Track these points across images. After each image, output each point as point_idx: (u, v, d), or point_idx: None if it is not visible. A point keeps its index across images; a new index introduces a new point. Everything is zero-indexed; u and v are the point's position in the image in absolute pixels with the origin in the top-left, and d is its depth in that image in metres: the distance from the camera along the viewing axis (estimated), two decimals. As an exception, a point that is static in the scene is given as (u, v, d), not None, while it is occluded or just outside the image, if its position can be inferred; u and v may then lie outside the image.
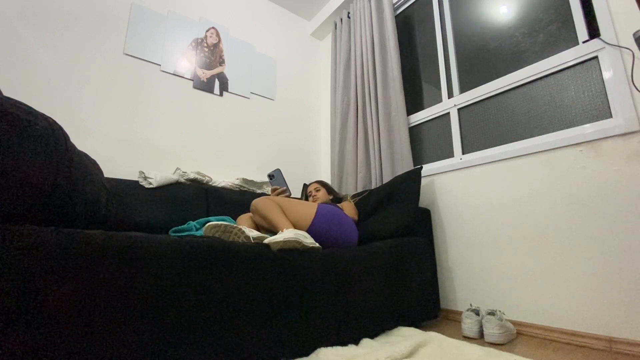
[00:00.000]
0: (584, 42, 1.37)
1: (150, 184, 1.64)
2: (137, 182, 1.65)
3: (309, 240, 1.11)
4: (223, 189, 1.93)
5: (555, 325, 1.29)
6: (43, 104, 1.60)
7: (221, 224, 1.03)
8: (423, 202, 1.85)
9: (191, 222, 1.48)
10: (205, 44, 2.24)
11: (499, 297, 1.48)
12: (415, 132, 2.08)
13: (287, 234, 1.03)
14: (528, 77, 1.54)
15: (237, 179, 2.05)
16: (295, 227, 1.30)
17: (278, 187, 1.62)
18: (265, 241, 1.00)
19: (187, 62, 2.13)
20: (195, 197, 1.75)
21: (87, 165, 0.84)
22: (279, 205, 1.33)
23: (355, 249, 1.26)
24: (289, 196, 1.62)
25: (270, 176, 1.66)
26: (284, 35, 2.78)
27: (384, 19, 2.21)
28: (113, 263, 0.67)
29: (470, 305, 1.41)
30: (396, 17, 2.34)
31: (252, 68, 2.46)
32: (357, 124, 2.26)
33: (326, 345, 1.01)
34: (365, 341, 1.11)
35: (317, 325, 1.01)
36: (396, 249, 1.37)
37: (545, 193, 1.38)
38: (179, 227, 1.46)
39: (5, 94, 0.68)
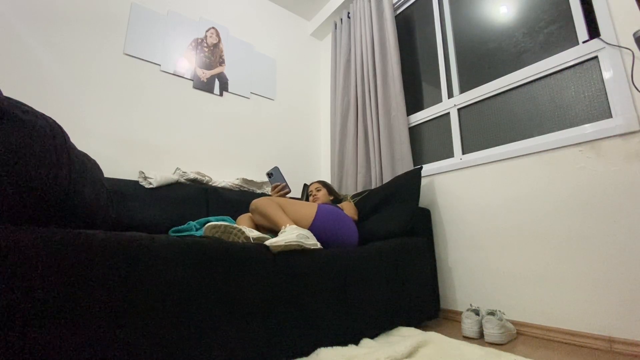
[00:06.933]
0: (584, 42, 1.37)
1: (150, 184, 1.64)
2: (137, 182, 1.65)
3: (311, 242, 1.10)
4: (223, 189, 1.93)
5: (555, 325, 1.29)
6: (43, 104, 1.60)
7: (221, 224, 1.03)
8: (423, 202, 1.85)
9: (191, 222, 1.49)
10: (205, 44, 2.24)
11: (499, 297, 1.48)
12: (415, 132, 2.08)
13: (288, 236, 1.03)
14: (528, 77, 1.54)
15: (237, 179, 2.05)
16: (296, 227, 1.30)
17: (278, 183, 1.63)
18: (266, 243, 0.99)
19: (187, 62, 2.13)
20: (195, 197, 1.75)
21: (87, 166, 0.84)
22: (279, 205, 1.33)
23: (356, 249, 1.25)
24: (289, 192, 1.63)
25: (269, 174, 1.67)
26: (284, 35, 2.78)
27: (384, 19, 2.21)
28: (113, 263, 0.67)
29: (470, 305, 1.41)
30: (396, 17, 2.34)
31: (252, 68, 2.46)
32: (357, 124, 2.26)
33: (326, 345, 1.01)
34: (365, 341, 1.11)
35: (317, 325, 1.01)
36: (396, 249, 1.37)
37: (545, 193, 1.38)
38: (179, 227, 1.46)
39: (5, 94, 0.68)
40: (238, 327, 0.84)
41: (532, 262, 1.38)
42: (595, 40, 1.32)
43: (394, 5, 2.32)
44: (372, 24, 2.25)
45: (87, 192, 0.80)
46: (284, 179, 1.65)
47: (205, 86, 2.18)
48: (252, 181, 2.09)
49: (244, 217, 1.47)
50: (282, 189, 1.62)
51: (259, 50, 2.56)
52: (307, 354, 0.97)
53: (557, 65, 1.44)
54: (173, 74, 2.06)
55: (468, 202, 1.65)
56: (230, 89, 2.30)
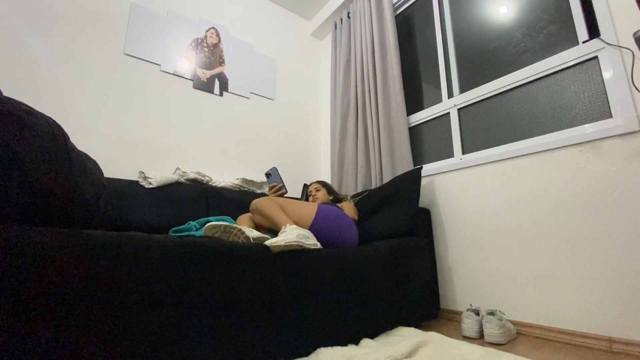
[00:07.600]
0: (584, 42, 1.37)
1: (150, 184, 1.64)
2: (137, 182, 1.65)
3: (311, 242, 1.10)
4: (223, 189, 1.93)
5: (555, 325, 1.29)
6: (43, 104, 1.60)
7: (221, 224, 1.03)
8: (423, 202, 1.85)
9: (191, 222, 1.48)
10: (205, 44, 2.24)
11: (499, 297, 1.47)
12: (415, 132, 2.08)
13: (288, 235, 1.03)
14: (528, 77, 1.54)
15: (237, 179, 2.05)
16: (296, 227, 1.30)
17: (275, 183, 1.65)
18: (266, 243, 0.99)
19: (187, 62, 2.13)
20: (195, 197, 1.75)
21: (87, 166, 0.84)
22: (280, 205, 1.33)
23: (356, 249, 1.26)
24: (285, 192, 1.64)
25: (268, 175, 1.69)
26: (284, 35, 2.78)
27: (384, 19, 2.21)
28: (113, 263, 0.67)
29: (470, 305, 1.41)
30: (396, 17, 2.34)
31: (252, 68, 2.46)
32: (357, 124, 2.26)
33: (326, 345, 1.01)
34: (365, 341, 1.11)
35: (317, 325, 1.01)
36: (396, 249, 1.37)
37: (545, 193, 1.38)
38: (179, 227, 1.46)
39: (5, 94, 0.68)
40: (238, 327, 0.84)
41: (532, 262, 1.38)
42: (595, 40, 1.32)
43: (394, 5, 2.32)
44: (372, 24, 2.25)
45: (87, 192, 0.80)
46: (281, 179, 1.67)
47: (205, 86, 2.18)
48: (252, 181, 2.09)
49: (244, 217, 1.47)
50: (278, 190, 1.64)
51: (259, 50, 2.56)
52: (307, 354, 0.97)
53: (557, 65, 1.44)
54: (173, 74, 2.05)
55: (468, 202, 1.65)
56: (230, 89, 2.30)
